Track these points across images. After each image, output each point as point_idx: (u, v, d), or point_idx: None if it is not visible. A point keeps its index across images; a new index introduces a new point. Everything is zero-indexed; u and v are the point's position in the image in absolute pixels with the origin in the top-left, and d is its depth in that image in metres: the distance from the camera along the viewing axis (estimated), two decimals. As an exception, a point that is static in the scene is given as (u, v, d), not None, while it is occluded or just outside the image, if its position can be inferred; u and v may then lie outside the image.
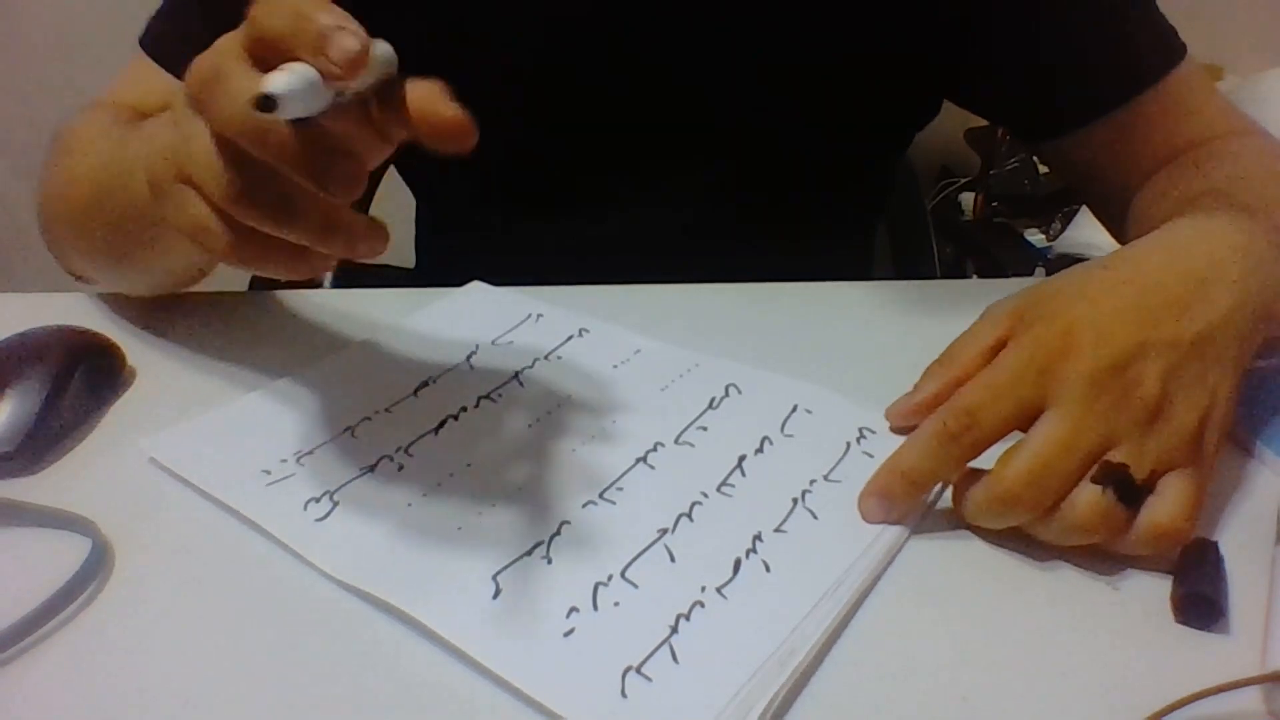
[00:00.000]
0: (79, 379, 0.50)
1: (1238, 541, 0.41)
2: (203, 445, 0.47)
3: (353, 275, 0.89)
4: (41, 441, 0.48)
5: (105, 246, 0.54)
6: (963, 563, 0.41)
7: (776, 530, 0.41)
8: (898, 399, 0.47)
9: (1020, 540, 0.41)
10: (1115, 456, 0.38)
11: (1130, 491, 0.38)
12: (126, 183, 0.46)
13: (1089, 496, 0.38)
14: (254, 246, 0.36)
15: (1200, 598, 0.37)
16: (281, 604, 0.39)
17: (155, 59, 0.62)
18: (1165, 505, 0.38)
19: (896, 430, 0.47)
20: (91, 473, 0.47)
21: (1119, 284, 0.42)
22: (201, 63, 0.35)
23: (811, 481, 0.44)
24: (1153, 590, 0.39)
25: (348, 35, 0.32)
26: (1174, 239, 0.45)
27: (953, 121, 0.71)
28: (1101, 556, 0.40)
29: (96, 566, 0.40)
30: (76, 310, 0.60)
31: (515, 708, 0.34)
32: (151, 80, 0.61)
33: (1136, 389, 0.39)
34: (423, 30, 0.63)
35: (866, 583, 0.39)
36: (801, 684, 0.35)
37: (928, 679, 0.35)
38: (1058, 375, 0.40)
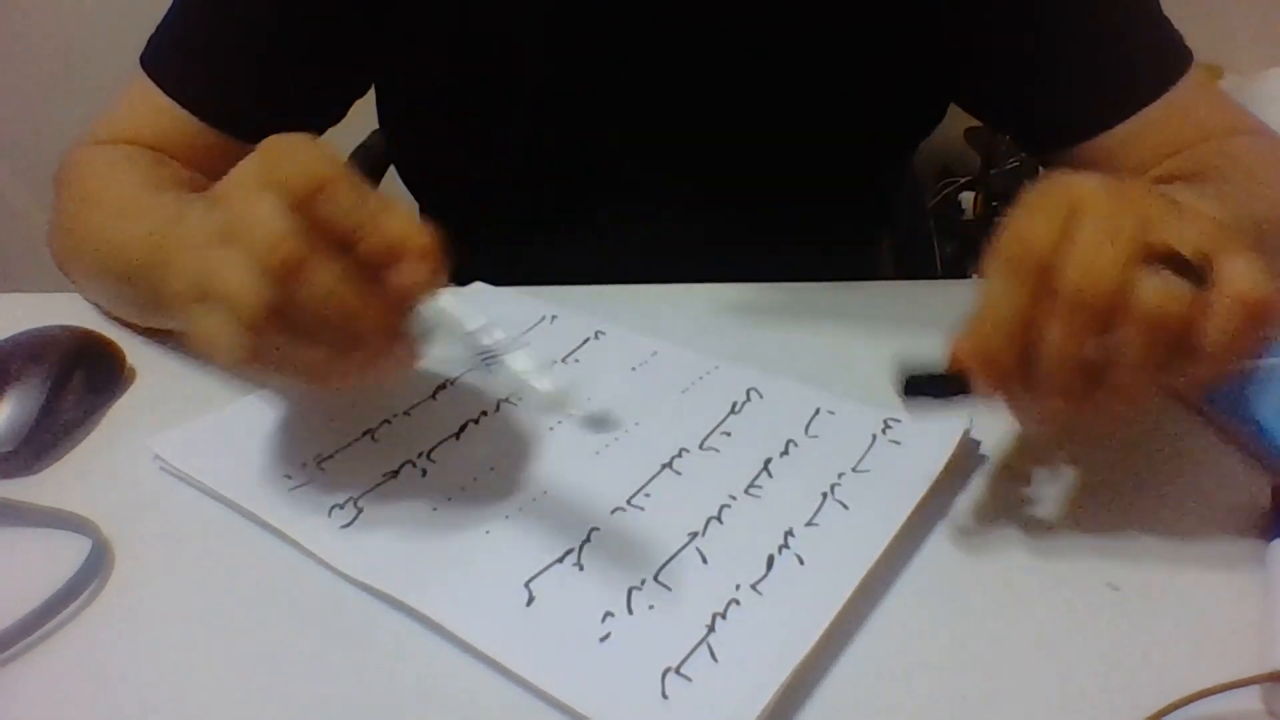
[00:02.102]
0: (79, 379, 0.50)
1: (1234, 539, 0.41)
2: (213, 446, 0.46)
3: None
4: (41, 441, 0.47)
5: (122, 305, 0.57)
6: (963, 564, 0.41)
7: (808, 524, 0.41)
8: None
9: (1021, 541, 0.41)
10: (1158, 239, 0.36)
11: (1185, 268, 0.36)
12: (156, 274, 0.46)
13: (1150, 282, 0.36)
14: (274, 358, 0.36)
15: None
16: (281, 604, 0.39)
17: (161, 86, 0.61)
18: (1237, 277, 0.36)
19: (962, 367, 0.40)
20: (91, 473, 0.47)
21: None
22: (241, 195, 0.36)
23: (840, 475, 0.44)
24: (1153, 590, 0.39)
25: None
26: None
27: (953, 121, 0.71)
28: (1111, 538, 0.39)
29: (96, 566, 0.40)
30: (76, 310, 0.60)
31: (549, 716, 0.34)
32: (157, 109, 0.61)
33: (1149, 186, 0.38)
34: (430, 48, 0.63)
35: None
36: (803, 684, 0.35)
37: (928, 679, 0.36)
38: (1074, 189, 0.38)
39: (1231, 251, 0.36)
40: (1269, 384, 0.48)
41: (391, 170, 0.80)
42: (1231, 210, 0.45)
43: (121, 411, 0.51)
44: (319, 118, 0.66)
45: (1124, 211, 0.37)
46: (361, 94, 0.68)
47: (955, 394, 0.39)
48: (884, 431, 0.47)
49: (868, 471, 0.45)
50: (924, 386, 0.40)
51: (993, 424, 0.40)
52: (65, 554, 0.40)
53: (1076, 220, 0.37)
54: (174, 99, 0.60)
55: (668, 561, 0.40)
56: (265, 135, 0.62)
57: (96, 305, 0.60)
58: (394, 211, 0.37)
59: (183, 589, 0.40)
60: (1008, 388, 0.39)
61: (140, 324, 0.57)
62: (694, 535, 0.41)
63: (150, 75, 0.61)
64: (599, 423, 0.49)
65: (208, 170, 0.61)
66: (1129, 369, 0.36)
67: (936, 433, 0.45)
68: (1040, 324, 0.37)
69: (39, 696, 0.35)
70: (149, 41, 0.62)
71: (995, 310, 0.38)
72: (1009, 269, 0.37)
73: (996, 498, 0.44)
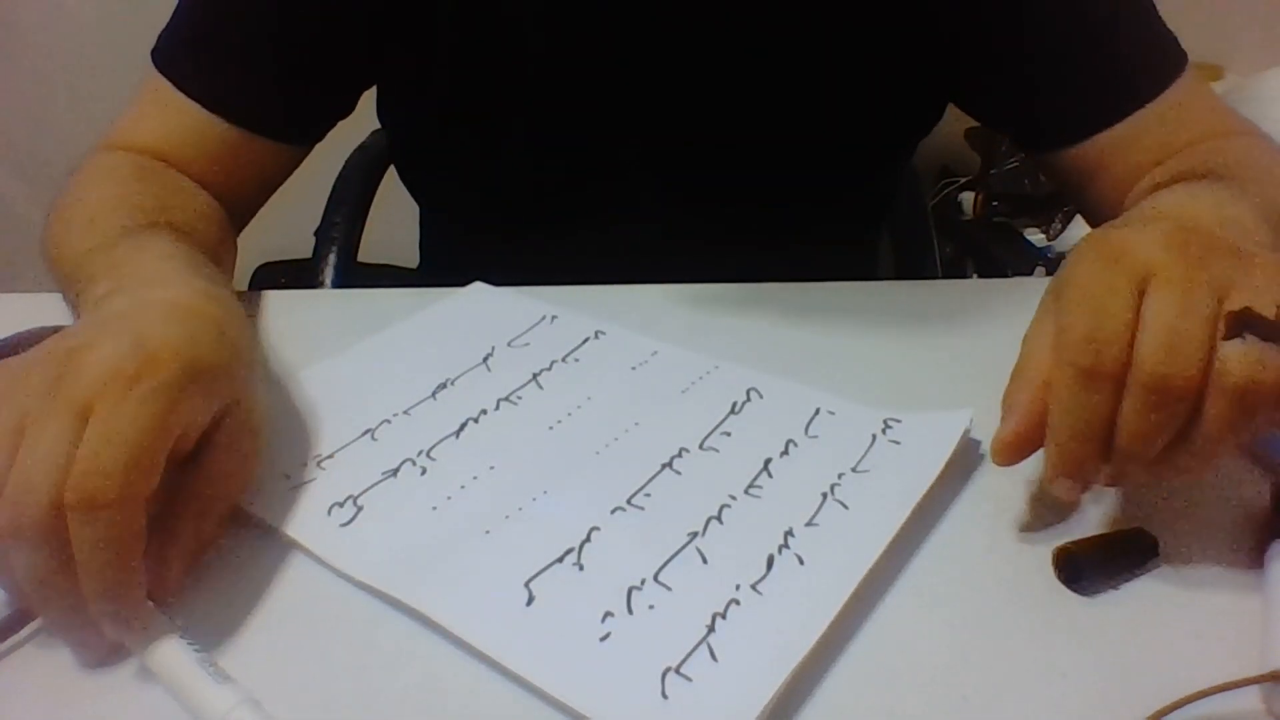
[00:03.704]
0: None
1: (1234, 539, 0.41)
2: None
3: (354, 274, 0.90)
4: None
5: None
6: (964, 564, 0.41)
7: (808, 524, 0.41)
8: (999, 433, 0.40)
9: (1023, 535, 0.41)
10: (1235, 304, 0.35)
11: (1269, 329, 0.35)
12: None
13: (1235, 352, 0.35)
14: None
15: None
16: (280, 603, 0.39)
17: (173, 81, 0.61)
18: None
19: (1008, 461, 0.41)
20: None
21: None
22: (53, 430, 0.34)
23: (840, 475, 0.44)
24: (1153, 590, 0.39)
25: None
26: (1144, 203, 0.47)
27: (953, 121, 0.71)
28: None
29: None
30: (76, 310, 0.60)
31: (549, 715, 0.34)
32: (169, 106, 0.61)
33: (1211, 236, 0.38)
34: (430, 47, 0.63)
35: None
36: (803, 684, 0.35)
37: (928, 679, 0.36)
38: (1138, 254, 0.37)
39: None
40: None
41: (391, 170, 0.80)
42: (1255, 204, 0.45)
43: (121, 411, 0.51)
44: (330, 108, 0.66)
45: (1197, 279, 0.36)
46: (371, 84, 0.68)
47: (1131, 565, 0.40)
48: (884, 431, 0.47)
49: (867, 471, 0.45)
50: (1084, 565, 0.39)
51: (993, 424, 0.40)
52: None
53: (1147, 297, 0.36)
54: (185, 94, 0.60)
55: (668, 561, 0.40)
56: (277, 128, 0.62)
57: None
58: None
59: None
60: (1085, 478, 0.38)
61: None
62: (694, 535, 0.41)
63: (161, 71, 0.61)
64: None
65: (215, 165, 0.61)
66: (1214, 437, 0.36)
67: (936, 432, 0.46)
68: (1119, 408, 0.36)
69: (30, 691, 0.35)
70: (159, 39, 0.62)
71: (1077, 420, 0.37)
72: (1086, 379, 0.36)
73: (996, 497, 0.44)
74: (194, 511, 0.39)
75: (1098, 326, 0.36)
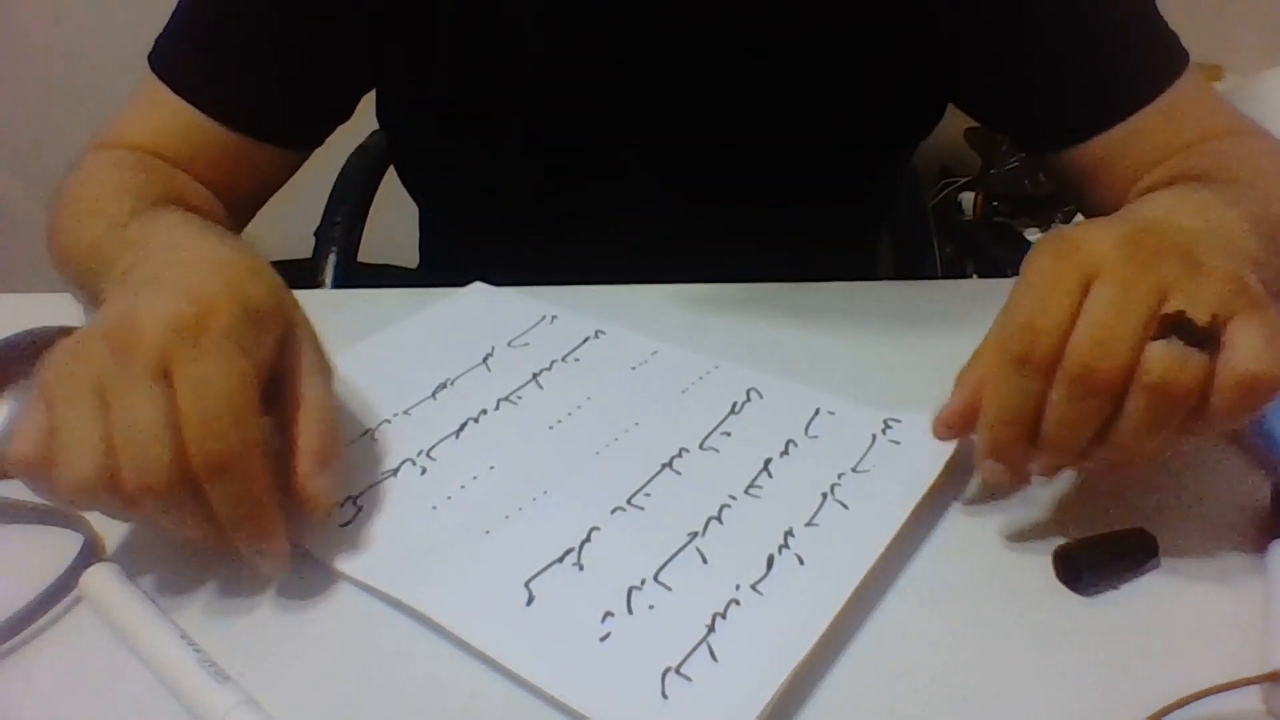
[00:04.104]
0: (79, 379, 0.50)
1: (1234, 539, 0.41)
2: None
3: (354, 274, 0.90)
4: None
5: (87, 312, 0.56)
6: (964, 564, 0.41)
7: (808, 525, 0.42)
8: (942, 409, 0.43)
9: (1023, 535, 0.41)
10: (1171, 307, 0.37)
11: (1195, 335, 0.36)
12: (95, 282, 0.47)
13: (1158, 352, 0.36)
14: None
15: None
16: (278, 603, 0.39)
17: (168, 83, 0.60)
18: (1243, 348, 0.36)
19: (945, 437, 0.43)
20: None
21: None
22: (143, 382, 0.35)
23: (840, 475, 0.44)
24: (1153, 590, 0.39)
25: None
26: (1131, 206, 0.47)
27: (953, 121, 0.71)
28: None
29: (87, 562, 0.39)
30: (76, 310, 0.59)
31: (549, 715, 0.34)
32: (164, 108, 0.61)
33: (1167, 238, 0.39)
34: (430, 48, 0.63)
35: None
36: (803, 684, 0.35)
37: (928, 679, 0.36)
38: (1089, 250, 0.38)
39: (1245, 314, 0.37)
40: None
41: (391, 170, 0.80)
42: (1248, 211, 0.45)
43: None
44: (328, 113, 0.66)
45: (1139, 279, 0.37)
46: (370, 89, 0.68)
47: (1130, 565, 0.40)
48: (884, 432, 0.47)
49: (867, 472, 0.45)
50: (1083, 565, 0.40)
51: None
52: (58, 550, 0.40)
53: (1090, 292, 0.37)
54: (181, 96, 0.60)
55: (668, 561, 0.40)
56: (274, 133, 0.62)
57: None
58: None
59: (176, 587, 0.39)
60: (1013, 462, 0.40)
61: None
62: (694, 535, 0.41)
63: (157, 73, 0.61)
64: None
65: (212, 169, 0.61)
66: (1132, 432, 0.37)
67: None
68: (1046, 395, 0.38)
69: (33, 691, 0.35)
70: (156, 41, 0.62)
71: (1006, 404, 0.39)
72: (1019, 365, 0.38)
73: (996, 497, 0.44)
74: (308, 424, 0.40)
75: (1036, 316, 0.38)
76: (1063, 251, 0.39)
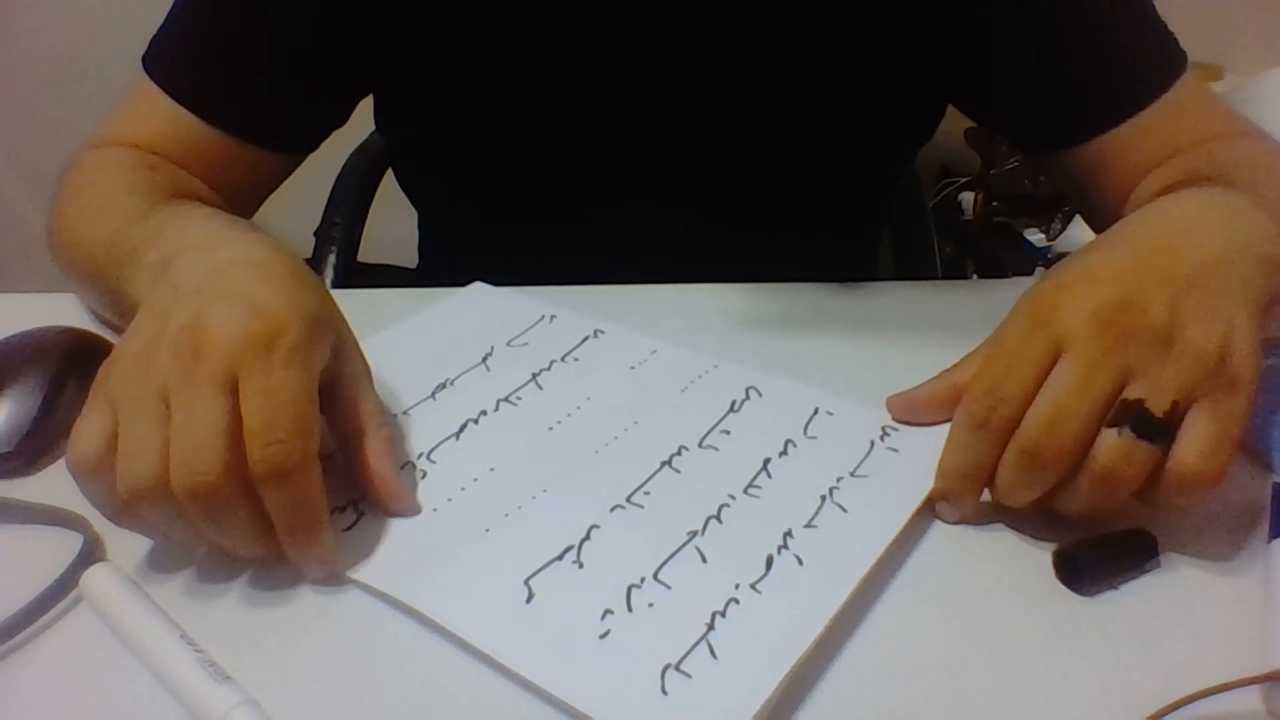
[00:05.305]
0: (77, 379, 0.50)
1: (1234, 539, 0.41)
2: None
3: (354, 274, 0.90)
4: (39, 442, 0.47)
5: (98, 305, 0.58)
6: (964, 564, 0.41)
7: (807, 526, 0.42)
8: (901, 392, 0.48)
9: (1023, 535, 0.41)
10: (1132, 394, 0.38)
11: (1149, 426, 0.37)
12: (113, 275, 0.47)
13: (1109, 443, 0.37)
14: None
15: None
16: (278, 603, 0.39)
17: (162, 86, 0.60)
18: (1188, 444, 0.37)
19: (900, 420, 0.48)
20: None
21: (1102, 245, 0.44)
22: (207, 383, 0.36)
23: (839, 478, 0.44)
24: (1153, 590, 0.39)
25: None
26: (1152, 210, 0.47)
27: (953, 121, 0.71)
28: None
29: (87, 562, 0.40)
30: (75, 311, 0.60)
31: (549, 714, 0.34)
32: (158, 111, 0.60)
33: (1143, 316, 0.38)
34: (429, 50, 0.63)
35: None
36: (802, 682, 0.35)
37: (928, 679, 0.36)
38: (1062, 322, 0.39)
39: (1209, 399, 0.38)
40: (1269, 385, 0.47)
41: (390, 171, 0.80)
42: (1275, 214, 0.45)
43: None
44: (323, 119, 0.66)
45: (1103, 361, 0.38)
46: (366, 94, 0.68)
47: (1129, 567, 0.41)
48: (882, 439, 0.47)
49: (866, 477, 0.45)
50: (1083, 565, 0.40)
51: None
52: (59, 550, 0.40)
53: (1055, 367, 0.39)
54: (174, 99, 0.60)
55: (667, 560, 0.40)
56: (269, 137, 0.62)
57: (86, 306, 0.60)
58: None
59: (175, 586, 0.39)
60: (964, 509, 0.43)
61: (123, 325, 0.57)
62: (693, 534, 0.41)
63: (151, 76, 0.61)
64: None
65: (207, 171, 0.61)
66: (1076, 504, 0.40)
67: (934, 440, 0.45)
68: (1000, 457, 0.40)
69: (33, 691, 0.35)
70: (150, 43, 0.62)
71: (962, 461, 0.42)
72: (976, 427, 0.40)
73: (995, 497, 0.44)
74: (374, 429, 0.42)
75: (999, 383, 0.40)
76: (1039, 319, 0.40)
